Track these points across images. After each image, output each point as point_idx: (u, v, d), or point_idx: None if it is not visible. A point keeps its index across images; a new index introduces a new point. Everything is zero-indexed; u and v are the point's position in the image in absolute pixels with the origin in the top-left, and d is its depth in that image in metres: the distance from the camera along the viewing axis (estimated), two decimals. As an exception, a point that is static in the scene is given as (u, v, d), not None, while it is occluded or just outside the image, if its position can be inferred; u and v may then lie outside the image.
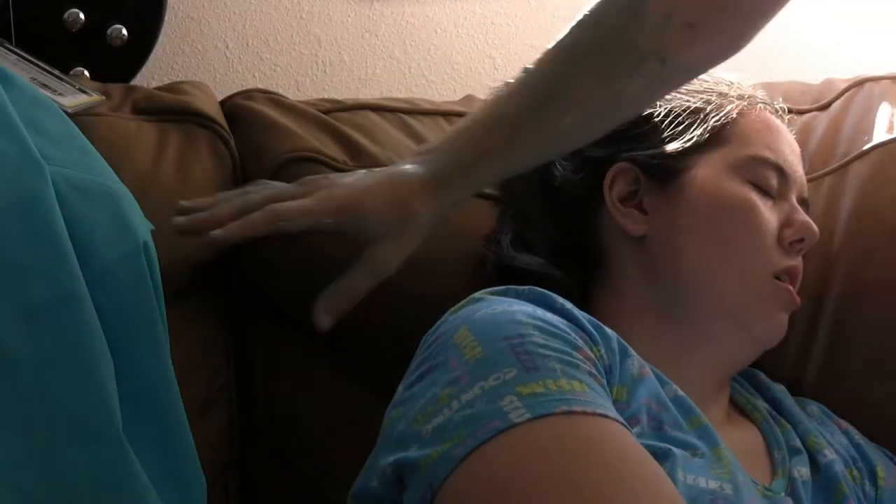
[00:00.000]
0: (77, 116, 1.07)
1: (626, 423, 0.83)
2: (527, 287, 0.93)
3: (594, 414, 0.80)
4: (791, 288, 1.04)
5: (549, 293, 0.93)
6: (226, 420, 1.11)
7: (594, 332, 0.91)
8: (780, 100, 1.14)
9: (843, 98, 1.27)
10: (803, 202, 1.09)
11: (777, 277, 1.04)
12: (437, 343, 0.88)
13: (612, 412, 0.83)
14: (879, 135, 1.20)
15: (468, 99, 1.31)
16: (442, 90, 1.56)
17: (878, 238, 1.14)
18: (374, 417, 0.91)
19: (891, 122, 1.20)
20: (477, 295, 0.93)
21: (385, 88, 1.53)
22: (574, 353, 0.86)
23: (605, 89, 0.97)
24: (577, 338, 0.88)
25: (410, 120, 1.21)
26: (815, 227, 1.06)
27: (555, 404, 0.80)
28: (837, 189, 1.18)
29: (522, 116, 0.99)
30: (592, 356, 0.88)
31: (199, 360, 1.10)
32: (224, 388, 1.12)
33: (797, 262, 1.05)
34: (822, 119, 1.25)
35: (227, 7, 1.47)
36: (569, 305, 0.92)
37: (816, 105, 1.27)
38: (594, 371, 0.86)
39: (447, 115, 1.23)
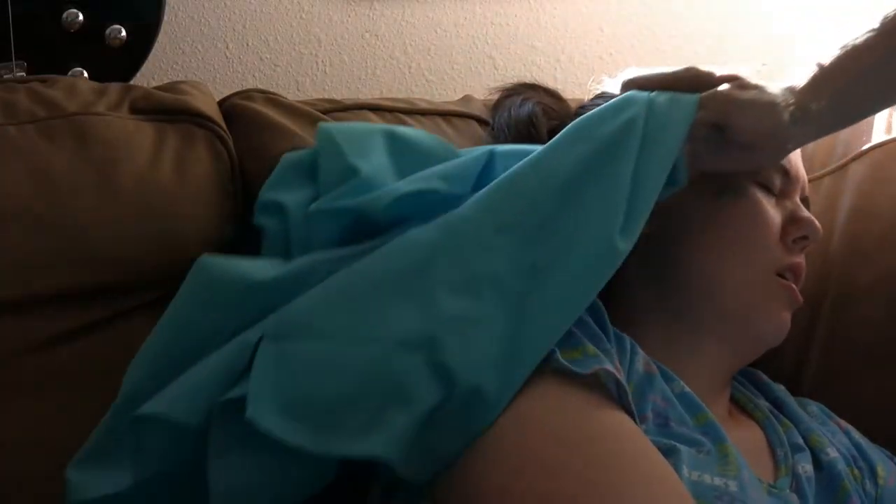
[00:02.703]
0: (74, 116, 1.08)
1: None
2: None
3: (615, 399, 0.83)
4: (794, 286, 1.04)
5: None
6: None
7: (609, 333, 0.92)
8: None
9: (841, 99, 1.26)
10: (804, 200, 1.09)
11: (780, 275, 1.04)
12: None
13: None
14: (878, 135, 1.20)
15: (467, 99, 1.30)
16: (442, 90, 1.56)
17: (876, 238, 1.15)
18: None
19: (889, 123, 1.20)
20: None
21: (385, 88, 1.53)
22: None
23: None
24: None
25: (409, 120, 1.21)
26: (818, 224, 1.06)
27: (590, 364, 0.83)
28: (836, 189, 1.18)
29: None
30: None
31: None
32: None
33: (800, 259, 1.05)
34: (821, 120, 1.25)
35: (227, 7, 1.47)
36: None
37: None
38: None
39: (445, 115, 1.23)
